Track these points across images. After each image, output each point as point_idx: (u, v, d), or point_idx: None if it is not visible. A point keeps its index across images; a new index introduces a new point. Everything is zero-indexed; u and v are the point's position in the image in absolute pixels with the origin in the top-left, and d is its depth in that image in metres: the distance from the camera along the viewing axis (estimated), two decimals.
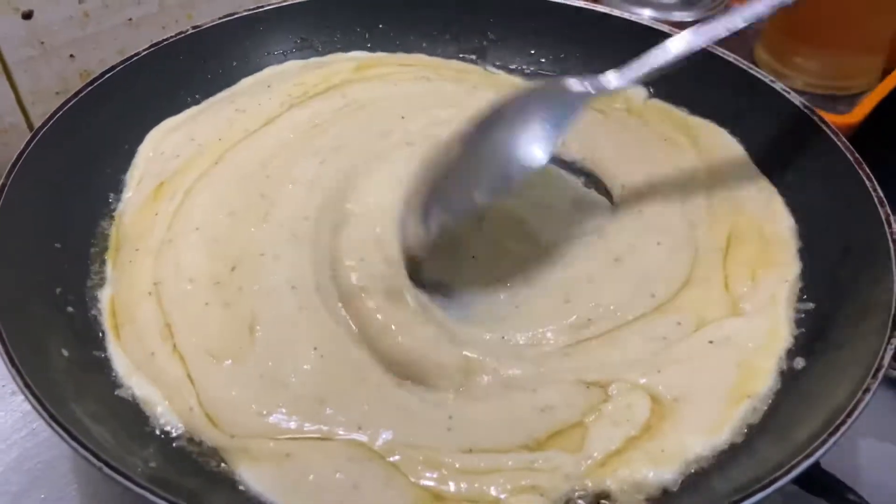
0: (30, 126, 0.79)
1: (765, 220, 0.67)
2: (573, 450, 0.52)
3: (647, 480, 0.51)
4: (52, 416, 0.47)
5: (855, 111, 0.83)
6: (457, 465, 0.51)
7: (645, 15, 0.90)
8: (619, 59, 0.78)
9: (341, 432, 0.53)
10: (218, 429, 0.53)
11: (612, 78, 0.63)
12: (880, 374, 0.50)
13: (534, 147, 0.58)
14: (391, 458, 0.52)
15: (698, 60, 0.74)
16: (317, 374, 0.56)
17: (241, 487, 0.51)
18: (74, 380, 0.54)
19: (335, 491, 0.50)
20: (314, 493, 0.50)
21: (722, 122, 0.74)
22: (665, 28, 0.77)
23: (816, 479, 0.55)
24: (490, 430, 0.54)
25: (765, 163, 0.70)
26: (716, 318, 0.60)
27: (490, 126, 0.61)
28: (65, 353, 0.55)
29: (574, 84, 0.63)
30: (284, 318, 0.59)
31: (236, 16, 0.78)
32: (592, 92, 0.62)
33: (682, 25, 0.90)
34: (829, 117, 0.81)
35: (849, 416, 0.48)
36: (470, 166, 0.61)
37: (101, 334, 0.59)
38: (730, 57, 0.74)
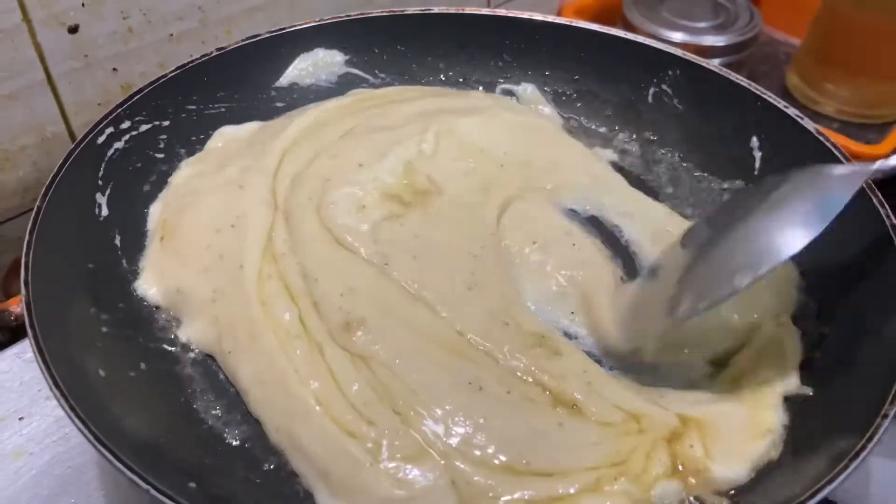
0: (71, 136, 0.81)
1: None
2: None
3: None
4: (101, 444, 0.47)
5: (885, 142, 0.82)
6: None
7: (675, 38, 0.90)
8: (633, 80, 0.78)
9: None
10: None
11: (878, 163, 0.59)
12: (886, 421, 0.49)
13: (797, 231, 0.55)
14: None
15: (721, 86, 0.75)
16: None
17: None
18: (116, 400, 0.54)
19: None
20: None
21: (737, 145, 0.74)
22: (678, 52, 0.76)
23: None
24: None
25: None
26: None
27: (746, 211, 0.59)
28: (101, 373, 0.55)
29: (839, 169, 0.59)
30: None
31: (268, 35, 0.79)
32: (861, 173, 0.58)
33: (712, 51, 0.90)
34: (859, 147, 0.79)
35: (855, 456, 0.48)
36: (727, 250, 0.58)
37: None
38: (754, 88, 0.73)
